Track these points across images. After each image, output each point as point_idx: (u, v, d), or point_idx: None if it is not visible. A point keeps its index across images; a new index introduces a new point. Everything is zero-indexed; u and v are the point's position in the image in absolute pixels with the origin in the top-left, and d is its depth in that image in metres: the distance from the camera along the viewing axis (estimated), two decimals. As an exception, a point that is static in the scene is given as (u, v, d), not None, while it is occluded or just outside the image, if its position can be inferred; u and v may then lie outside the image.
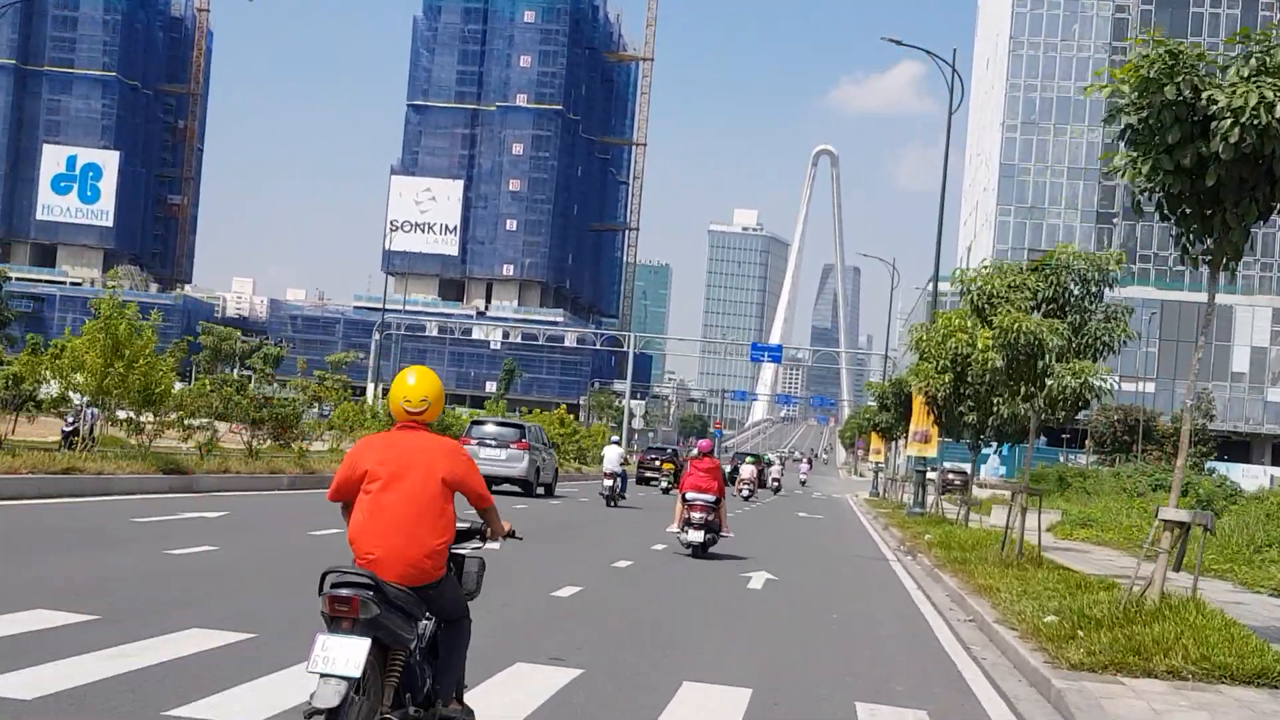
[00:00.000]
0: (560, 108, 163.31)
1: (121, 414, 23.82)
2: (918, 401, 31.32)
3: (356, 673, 5.18)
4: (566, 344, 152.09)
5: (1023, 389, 18.18)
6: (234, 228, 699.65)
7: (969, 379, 25.01)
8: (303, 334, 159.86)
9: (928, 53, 39.25)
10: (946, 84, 36.06)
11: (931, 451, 31.75)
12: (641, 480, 54.12)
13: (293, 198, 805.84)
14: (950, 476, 75.25)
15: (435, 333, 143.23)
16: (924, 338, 23.77)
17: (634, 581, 15.03)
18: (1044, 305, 18.07)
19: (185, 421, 24.01)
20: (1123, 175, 11.06)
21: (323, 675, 5.18)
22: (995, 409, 22.20)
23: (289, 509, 21.14)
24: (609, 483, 31.69)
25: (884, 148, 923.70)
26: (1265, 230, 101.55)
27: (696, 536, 18.53)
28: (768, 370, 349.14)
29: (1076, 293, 17.96)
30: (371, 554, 5.64)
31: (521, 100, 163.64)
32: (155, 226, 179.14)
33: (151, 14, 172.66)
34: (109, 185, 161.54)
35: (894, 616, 13.43)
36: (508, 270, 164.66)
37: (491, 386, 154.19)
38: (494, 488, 28.35)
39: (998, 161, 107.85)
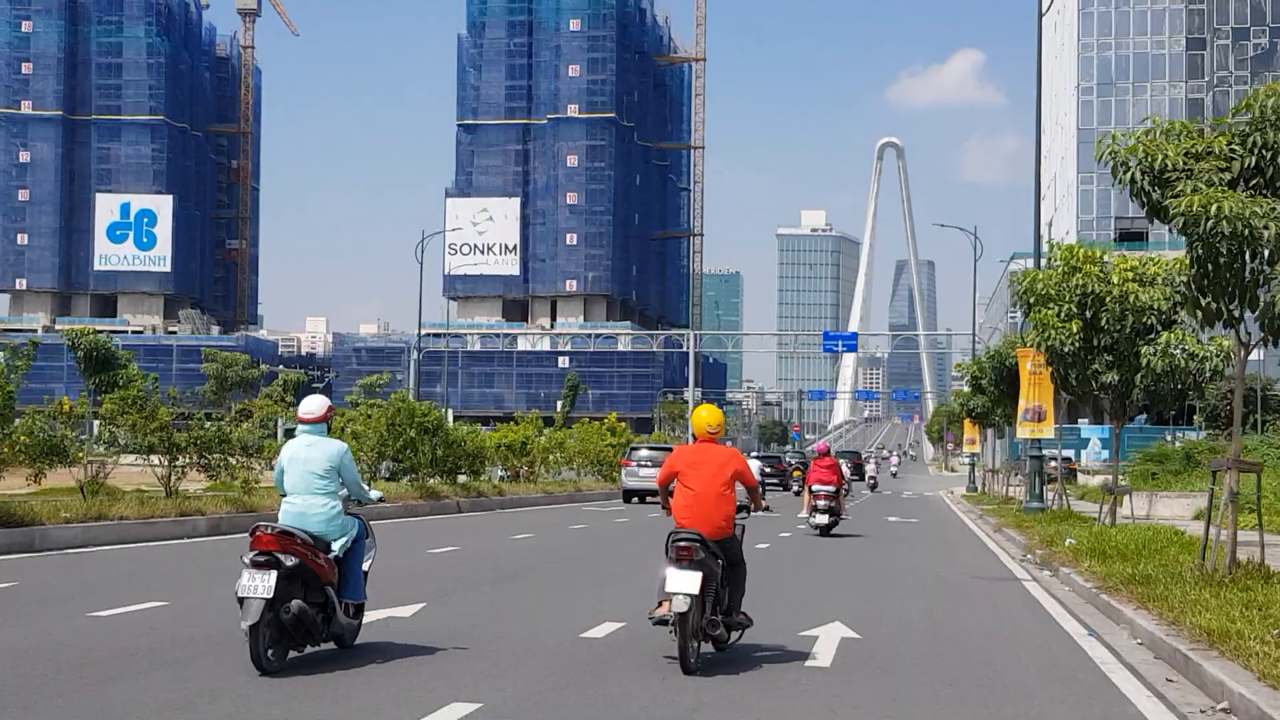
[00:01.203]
0: (613, 115, 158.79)
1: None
2: (1025, 370, 26.38)
3: (695, 590, 8.83)
4: (623, 350, 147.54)
5: (1224, 308, 12.38)
6: (304, 266, 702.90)
7: (1103, 324, 19.78)
8: (368, 365, 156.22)
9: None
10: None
11: (1047, 431, 26.37)
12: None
13: (357, 230, 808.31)
14: (1054, 464, 69.78)
15: (477, 348, 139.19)
16: (1040, 278, 18.69)
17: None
18: (1245, 178, 12.42)
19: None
20: None
21: (672, 593, 8.84)
22: (1148, 363, 16.95)
23: (130, 568, 15.78)
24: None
25: (948, 140, 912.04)
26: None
27: (823, 519, 24.11)
28: (847, 370, 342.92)
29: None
30: (691, 524, 9.22)
31: (573, 111, 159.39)
32: (216, 269, 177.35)
33: (196, 55, 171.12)
34: (164, 230, 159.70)
35: (1067, 707, 8.04)
36: (571, 286, 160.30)
37: (559, 406, 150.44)
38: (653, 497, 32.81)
39: (1075, 127, 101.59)
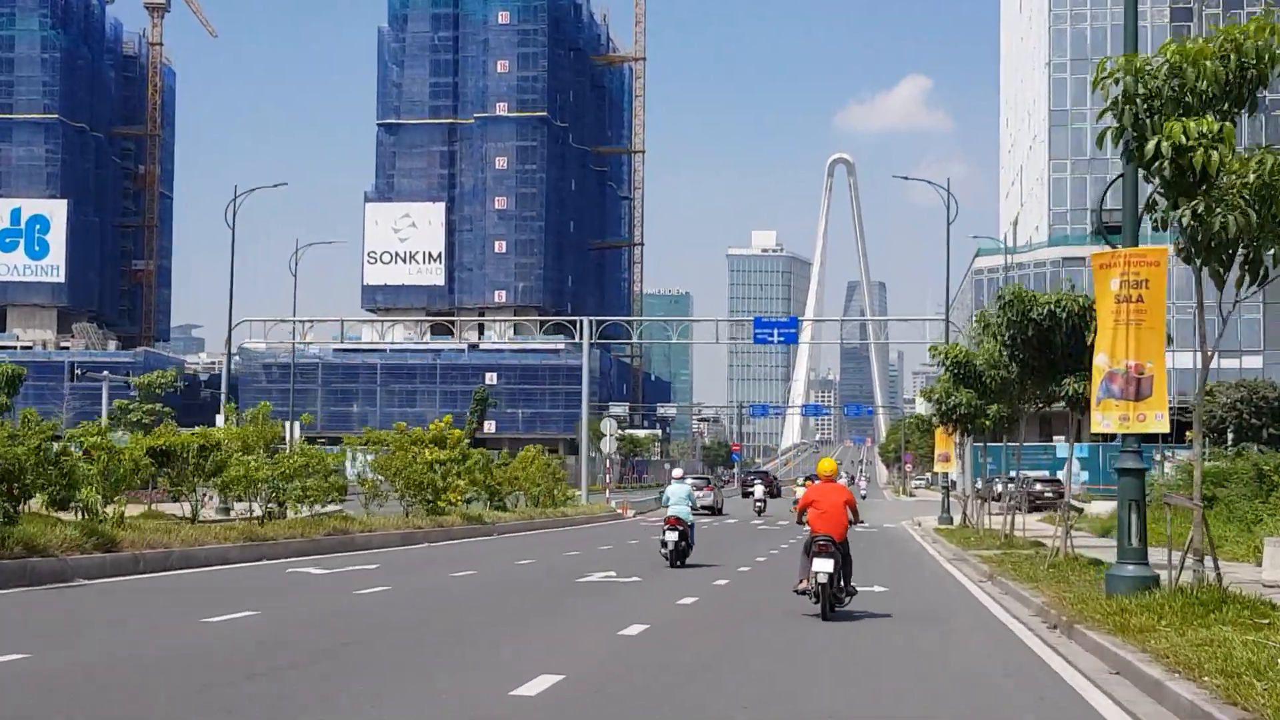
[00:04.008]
0: (545, 115, 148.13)
1: None
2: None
3: (831, 569, 14.58)
4: (555, 366, 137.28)
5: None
6: (220, 277, 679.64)
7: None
8: (280, 384, 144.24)
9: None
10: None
11: (1156, 423, 14.05)
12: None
13: (274, 239, 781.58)
14: (1039, 488, 58.76)
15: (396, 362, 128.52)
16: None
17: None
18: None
19: None
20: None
21: (816, 572, 14.58)
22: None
23: None
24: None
25: (898, 165, 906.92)
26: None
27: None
28: (798, 389, 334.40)
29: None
30: (826, 531, 14.93)
31: (502, 109, 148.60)
32: (121, 281, 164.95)
33: (98, 51, 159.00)
34: (58, 238, 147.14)
35: None
36: (500, 297, 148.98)
37: (490, 427, 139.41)
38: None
39: (1046, 108, 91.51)
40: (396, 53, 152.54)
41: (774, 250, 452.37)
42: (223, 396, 47.39)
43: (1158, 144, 12.05)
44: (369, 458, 32.31)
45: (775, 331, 62.23)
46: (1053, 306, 19.74)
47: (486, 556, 24.86)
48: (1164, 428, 14.14)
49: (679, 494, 23.71)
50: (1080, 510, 26.11)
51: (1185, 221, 11.98)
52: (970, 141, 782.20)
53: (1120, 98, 12.69)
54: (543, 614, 14.34)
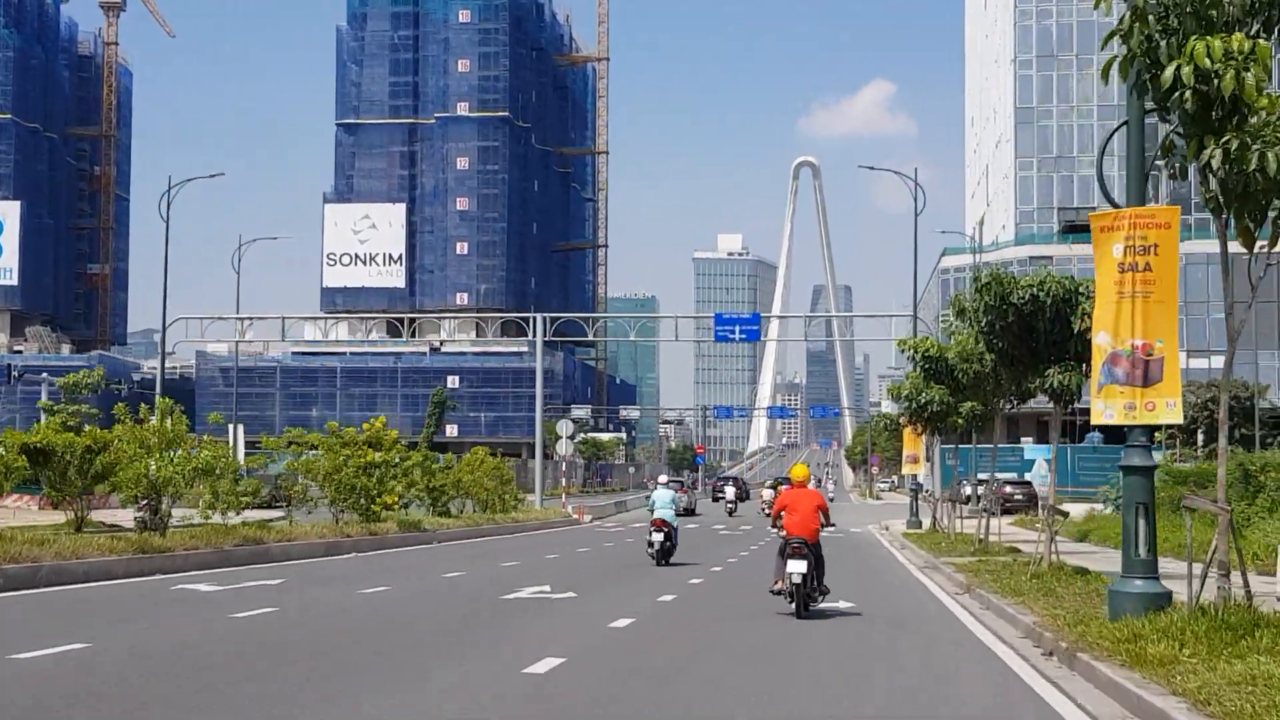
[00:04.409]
0: (507, 114, 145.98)
1: None
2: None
3: (805, 570, 15.22)
4: (519, 369, 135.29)
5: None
6: (185, 281, 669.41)
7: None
8: (237, 388, 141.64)
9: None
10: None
11: (1168, 413, 11.71)
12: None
13: (232, 241, 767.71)
14: (1010, 490, 56.84)
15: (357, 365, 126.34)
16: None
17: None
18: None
19: None
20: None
21: (790, 573, 15.22)
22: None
23: None
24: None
25: (861, 170, 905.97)
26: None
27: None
28: (764, 392, 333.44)
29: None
30: (799, 534, 15.51)
31: (463, 109, 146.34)
32: (76, 285, 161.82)
33: (52, 51, 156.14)
34: (11, 240, 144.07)
35: None
36: (462, 299, 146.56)
37: (453, 430, 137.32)
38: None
39: (1012, 105, 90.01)
40: (355, 52, 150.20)
41: (740, 254, 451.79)
42: (157, 397, 44.85)
43: (1177, 69, 10.00)
44: (299, 459, 30.02)
45: (737, 328, 59.81)
46: (1035, 289, 17.73)
47: (413, 569, 22.85)
48: (1177, 418, 12.11)
49: (664, 499, 25.67)
50: (1066, 514, 24.22)
51: (1215, 163, 9.94)
52: (933, 146, 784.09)
53: (1129, 16, 10.62)
54: (441, 646, 12.27)
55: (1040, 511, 20.44)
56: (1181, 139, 10.54)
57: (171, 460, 21.73)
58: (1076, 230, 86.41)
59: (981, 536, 26.82)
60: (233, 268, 63.84)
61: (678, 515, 26.98)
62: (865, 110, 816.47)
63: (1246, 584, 11.02)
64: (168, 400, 25.96)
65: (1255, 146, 9.67)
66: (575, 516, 52.40)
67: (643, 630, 13.99)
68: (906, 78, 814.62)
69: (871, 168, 60.43)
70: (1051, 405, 19.63)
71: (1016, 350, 18.46)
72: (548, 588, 18.53)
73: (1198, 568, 11.27)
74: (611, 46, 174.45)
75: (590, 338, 68.49)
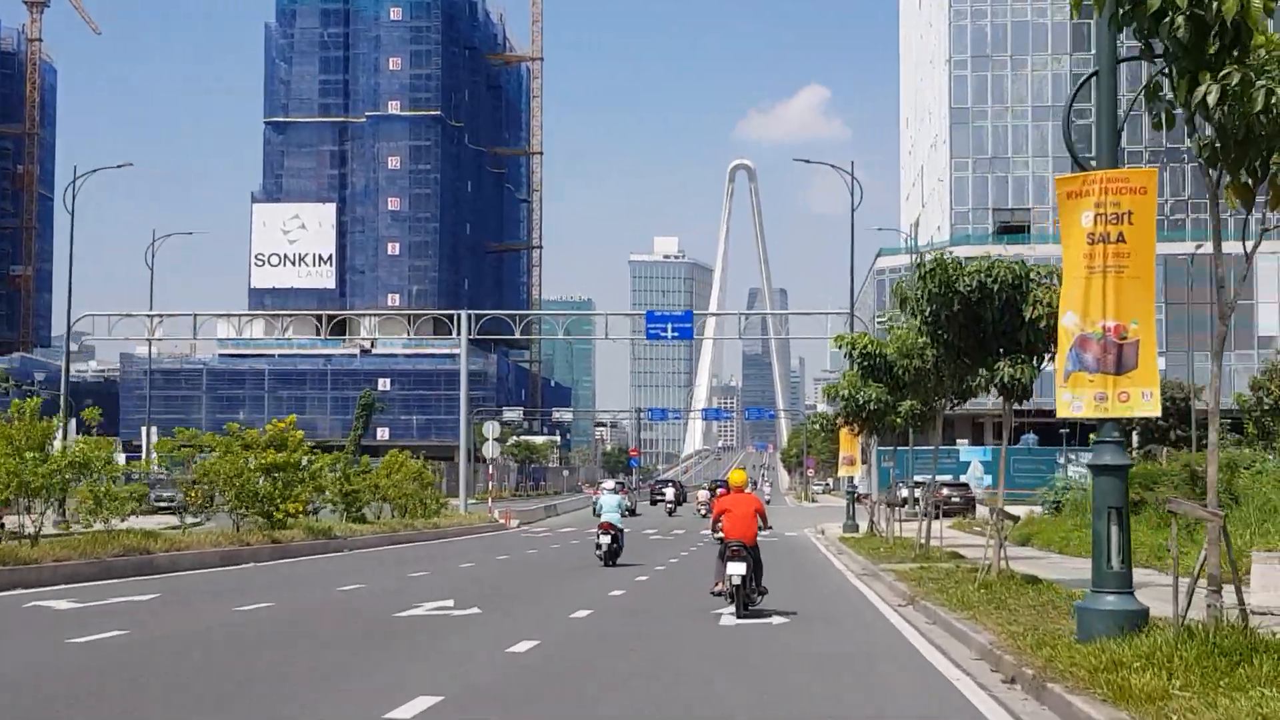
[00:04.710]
0: (439, 113, 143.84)
1: None
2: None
3: (744, 571, 15.71)
4: (451, 372, 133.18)
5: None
6: (111, 281, 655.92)
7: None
8: (163, 390, 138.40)
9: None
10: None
11: (1144, 404, 10.29)
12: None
13: (162, 239, 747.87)
14: (947, 493, 55.68)
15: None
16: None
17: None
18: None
19: None
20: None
21: (730, 574, 15.72)
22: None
23: None
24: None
25: (798, 174, 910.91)
26: None
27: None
28: (700, 394, 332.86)
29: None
30: (738, 538, 15.95)
31: (394, 108, 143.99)
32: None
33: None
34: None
35: None
36: (393, 300, 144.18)
37: (384, 434, 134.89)
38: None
39: (947, 106, 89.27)
40: (284, 49, 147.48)
41: (676, 256, 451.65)
42: (63, 398, 42.72)
43: (1170, -14, 8.31)
44: (197, 463, 28.05)
45: (669, 326, 58.16)
46: (982, 276, 16.37)
47: (309, 580, 21.11)
48: (1154, 410, 10.65)
49: (611, 504, 27.36)
50: (1016, 519, 22.98)
51: (1212, 101, 8.32)
52: (868, 150, 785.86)
53: None
54: (297, 682, 10.41)
55: (989, 515, 18.77)
56: (1167, 78, 8.95)
57: (38, 460, 19.78)
58: (1011, 231, 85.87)
59: (922, 541, 25.48)
60: (146, 264, 61.64)
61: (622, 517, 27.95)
62: (800, 114, 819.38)
63: (1242, 601, 9.52)
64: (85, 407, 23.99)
65: (1260, 83, 8.11)
66: (502, 521, 50.67)
67: (548, 656, 12.23)
68: (841, 83, 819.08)
69: (807, 161, 59.37)
70: (996, 404, 18.26)
71: (963, 341, 17.09)
72: (451, 603, 16.98)
73: (1184, 582, 9.78)
74: (546, 47, 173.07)
75: (517, 335, 66.45)
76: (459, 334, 61.09)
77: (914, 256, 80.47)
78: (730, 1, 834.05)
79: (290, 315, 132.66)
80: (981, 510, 55.10)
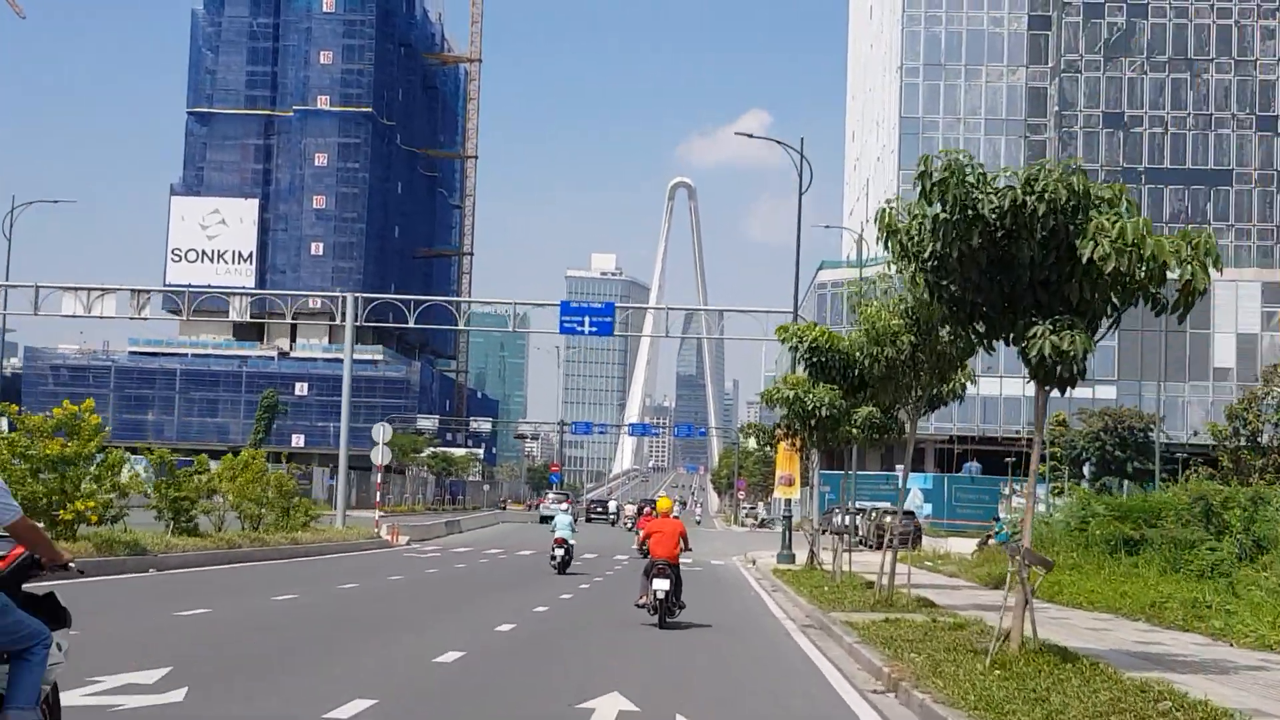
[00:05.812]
0: (370, 110, 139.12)
1: None
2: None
3: (668, 587, 17.97)
4: (373, 378, 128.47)
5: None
6: (20, 268, 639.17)
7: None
8: (69, 387, 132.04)
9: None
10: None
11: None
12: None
13: (72, 230, 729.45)
14: (889, 521, 51.44)
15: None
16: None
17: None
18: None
19: None
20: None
21: (655, 589, 17.94)
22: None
23: None
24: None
25: (739, 198, 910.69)
26: (1239, 189, 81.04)
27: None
28: (633, 410, 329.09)
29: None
30: (663, 557, 18.41)
31: (323, 103, 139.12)
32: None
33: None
34: None
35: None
36: (315, 302, 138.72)
37: (299, 440, 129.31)
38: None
39: (896, 115, 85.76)
40: (211, 38, 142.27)
41: (613, 274, 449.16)
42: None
43: None
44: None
45: (586, 319, 52.17)
46: (1021, 193, 11.29)
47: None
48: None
49: (563, 522, 31.69)
50: (1050, 564, 18.56)
51: None
52: (808, 171, 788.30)
53: None
54: None
55: (1010, 557, 12.07)
56: None
57: None
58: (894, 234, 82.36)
59: (882, 582, 21.17)
60: (3, 234, 56.64)
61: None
62: (742, 138, 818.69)
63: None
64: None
65: None
66: (387, 538, 45.51)
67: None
68: (783, 108, 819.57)
69: (750, 135, 55.26)
70: (940, 428, 13.86)
71: (983, 295, 11.67)
72: (152, 677, 11.15)
73: None
74: (486, 51, 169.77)
75: (411, 324, 61.21)
76: (343, 319, 56.08)
77: (860, 272, 76.73)
78: (674, 27, 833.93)
79: (203, 313, 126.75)
80: (928, 541, 51.13)
